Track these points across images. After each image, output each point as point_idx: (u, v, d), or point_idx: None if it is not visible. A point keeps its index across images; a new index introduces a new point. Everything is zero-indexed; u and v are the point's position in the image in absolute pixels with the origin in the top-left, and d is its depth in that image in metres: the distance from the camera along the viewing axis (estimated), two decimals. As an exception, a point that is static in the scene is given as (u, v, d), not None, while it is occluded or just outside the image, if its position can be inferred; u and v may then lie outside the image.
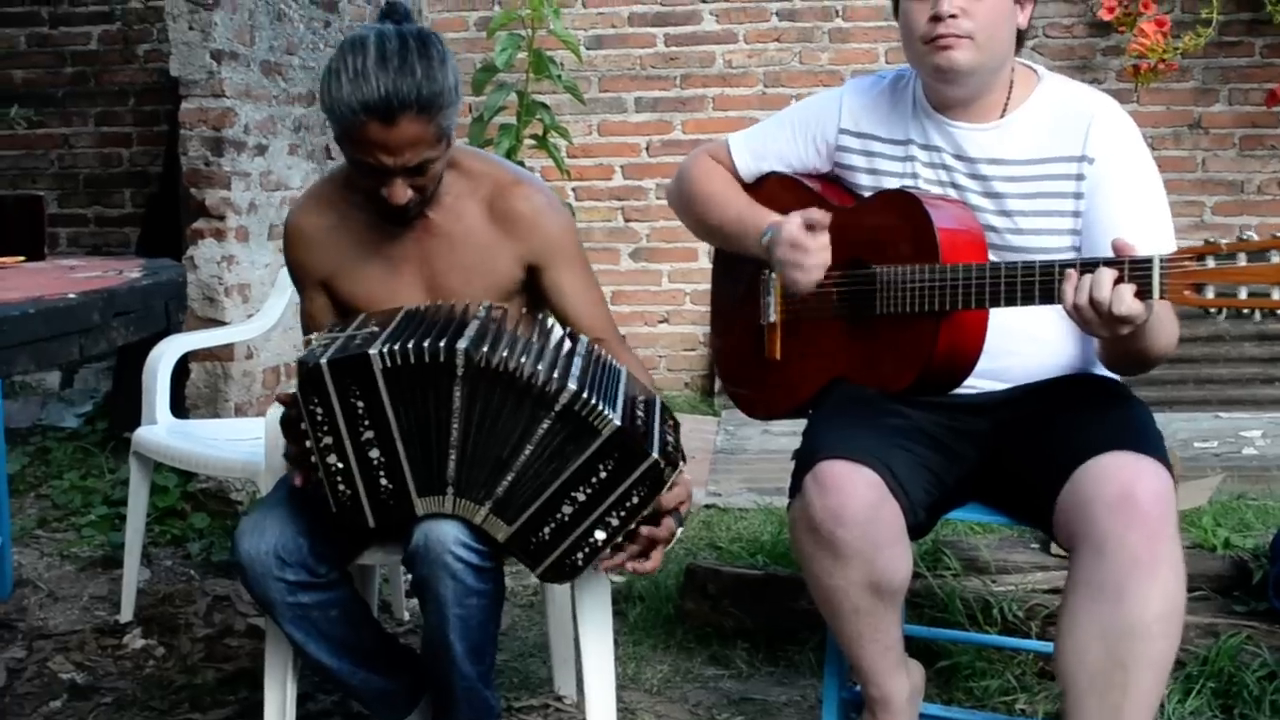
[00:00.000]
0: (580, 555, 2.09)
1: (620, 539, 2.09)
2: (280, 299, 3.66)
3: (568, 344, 2.14)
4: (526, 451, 2.03)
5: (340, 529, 2.13)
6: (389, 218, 2.25)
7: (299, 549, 2.14)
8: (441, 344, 2.00)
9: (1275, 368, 5.10)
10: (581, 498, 2.05)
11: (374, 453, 2.04)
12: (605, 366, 2.15)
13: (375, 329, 2.10)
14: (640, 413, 2.10)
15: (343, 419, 2.02)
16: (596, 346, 2.23)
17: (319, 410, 2.02)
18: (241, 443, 3.27)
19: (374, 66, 2.06)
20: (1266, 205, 5.46)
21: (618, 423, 2.01)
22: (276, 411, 2.70)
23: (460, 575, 2.06)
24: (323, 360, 2.00)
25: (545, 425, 2.02)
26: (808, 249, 2.23)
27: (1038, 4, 5.07)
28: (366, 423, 2.02)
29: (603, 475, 2.03)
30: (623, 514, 2.06)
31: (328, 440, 2.03)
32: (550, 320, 2.29)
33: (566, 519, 2.06)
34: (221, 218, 4.03)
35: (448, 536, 2.06)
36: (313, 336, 2.13)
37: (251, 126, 4.14)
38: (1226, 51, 5.41)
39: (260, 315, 3.73)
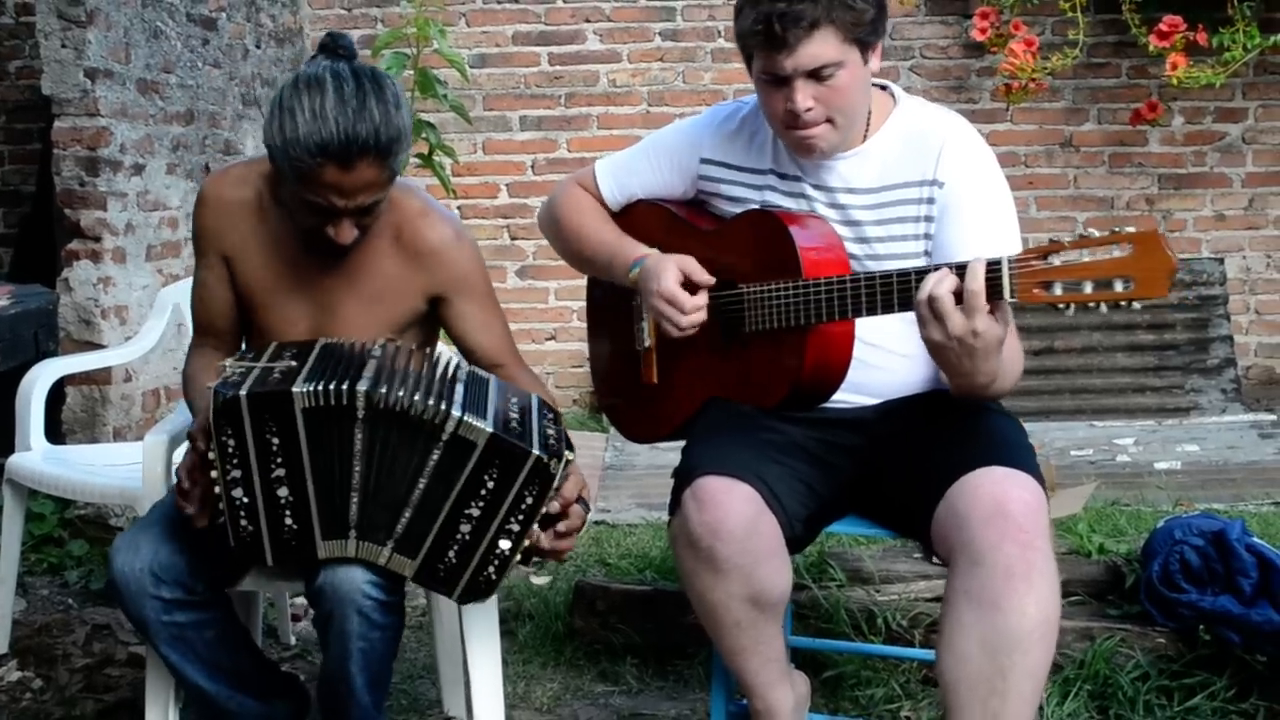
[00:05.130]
0: (492, 569, 2.07)
1: (527, 542, 2.07)
2: (159, 320, 3.59)
3: (451, 371, 2.13)
4: (421, 485, 2.03)
5: (232, 553, 2.09)
6: (323, 251, 2.20)
7: (175, 565, 2.12)
8: (344, 385, 1.99)
9: (1146, 377, 5.26)
10: (476, 513, 2.04)
11: (282, 491, 2.01)
12: (477, 380, 2.15)
13: (293, 363, 2.06)
14: (514, 414, 2.09)
15: (255, 454, 1.99)
16: (466, 363, 2.22)
17: (231, 443, 1.98)
18: (119, 468, 3.20)
19: (333, 108, 2.02)
20: (1135, 220, 5.61)
21: (489, 430, 2.00)
22: (155, 437, 2.67)
23: (367, 611, 2.06)
24: (242, 393, 1.96)
25: (436, 456, 2.02)
26: (684, 308, 2.27)
27: (916, 24, 5.16)
28: (279, 460, 2.00)
29: (490, 486, 2.02)
30: (521, 518, 2.05)
31: (236, 474, 2.00)
32: (439, 349, 2.27)
33: (467, 538, 2.05)
34: (97, 239, 3.94)
35: (356, 575, 2.05)
36: (227, 364, 2.08)
37: (128, 146, 4.06)
38: (1095, 72, 5.59)
39: (139, 338, 3.66)
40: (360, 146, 2.03)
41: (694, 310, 2.28)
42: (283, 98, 2.07)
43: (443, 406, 2.00)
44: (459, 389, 2.07)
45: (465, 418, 2.00)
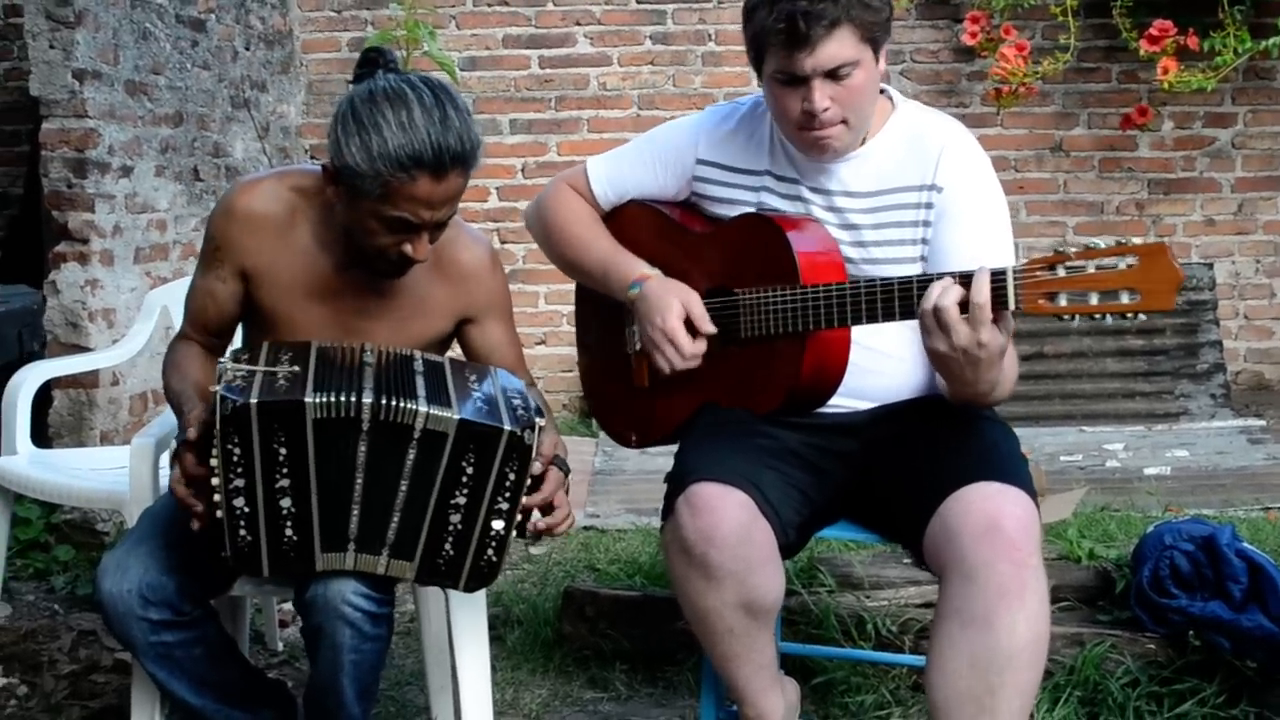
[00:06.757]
0: (491, 552, 2.06)
1: (520, 517, 2.07)
2: (147, 323, 3.57)
3: (413, 365, 2.11)
4: (403, 487, 2.02)
5: (222, 565, 2.07)
6: (386, 271, 2.17)
7: (164, 587, 2.09)
8: (352, 397, 1.96)
9: (1135, 383, 5.27)
10: (463, 501, 2.02)
11: (285, 502, 1.98)
12: (433, 367, 2.13)
13: (294, 368, 2.02)
14: (477, 392, 2.08)
15: (260, 464, 1.96)
16: (418, 352, 2.18)
17: (237, 450, 1.94)
18: (106, 472, 3.19)
19: (422, 119, 1.99)
20: (1125, 225, 5.63)
21: (456, 417, 1.99)
22: (142, 441, 2.65)
23: (358, 623, 2.04)
24: (252, 401, 1.92)
25: (413, 455, 2.00)
26: (683, 352, 2.27)
27: (907, 29, 5.16)
28: (285, 470, 1.97)
29: (470, 471, 2.01)
30: (508, 495, 2.03)
31: (239, 483, 1.96)
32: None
33: (459, 527, 2.04)
34: (85, 241, 3.92)
35: (346, 586, 2.04)
36: (227, 366, 2.02)
37: (116, 148, 4.04)
38: (1085, 77, 5.59)
39: (126, 340, 3.64)
40: (452, 156, 2.01)
41: (692, 357, 2.27)
42: (358, 114, 2.02)
43: (408, 404, 1.98)
44: (419, 381, 2.05)
45: (431, 410, 1.98)
